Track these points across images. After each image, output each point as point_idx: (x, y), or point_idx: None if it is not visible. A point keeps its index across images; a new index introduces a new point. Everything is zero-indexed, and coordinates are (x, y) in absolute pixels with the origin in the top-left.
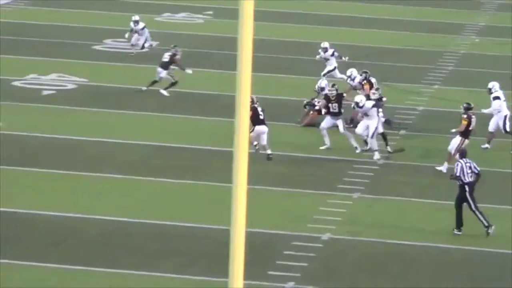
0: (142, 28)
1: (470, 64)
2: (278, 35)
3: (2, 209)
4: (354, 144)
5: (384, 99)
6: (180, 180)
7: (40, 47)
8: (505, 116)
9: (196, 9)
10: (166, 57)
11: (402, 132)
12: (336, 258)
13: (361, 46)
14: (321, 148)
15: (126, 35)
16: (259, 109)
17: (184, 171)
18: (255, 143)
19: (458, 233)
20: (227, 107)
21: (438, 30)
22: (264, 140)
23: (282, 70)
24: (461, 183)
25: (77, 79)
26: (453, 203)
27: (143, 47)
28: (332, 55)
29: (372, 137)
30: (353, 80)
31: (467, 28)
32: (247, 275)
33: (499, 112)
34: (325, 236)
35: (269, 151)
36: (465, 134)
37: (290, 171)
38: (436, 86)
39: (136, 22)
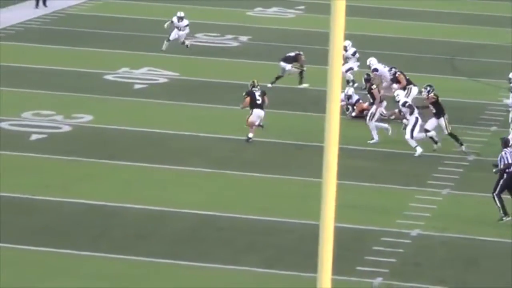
0: (186, 25)
1: None
2: (369, 30)
3: (91, 202)
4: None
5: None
6: (268, 175)
7: (133, 41)
8: None
9: (288, 4)
10: (291, 53)
11: (493, 128)
12: (425, 254)
13: (452, 42)
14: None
15: (166, 25)
16: (257, 93)
17: (273, 165)
18: (255, 126)
19: (508, 218)
20: (316, 101)
21: None
22: (257, 124)
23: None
24: (507, 172)
25: (169, 73)
26: None
27: (183, 43)
28: (354, 54)
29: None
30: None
31: None
32: (335, 270)
33: None
34: (414, 232)
35: (251, 134)
36: None
37: (379, 166)
38: None
39: (181, 18)
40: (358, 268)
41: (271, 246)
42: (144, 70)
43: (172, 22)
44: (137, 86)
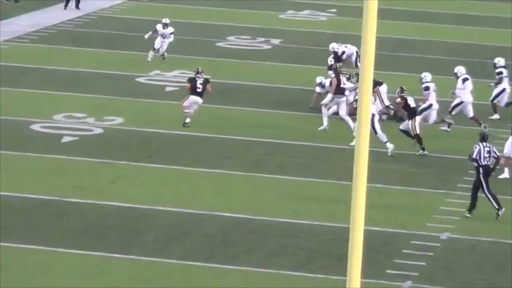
0: (171, 33)
1: None
2: (401, 33)
3: (123, 204)
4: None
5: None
6: (300, 178)
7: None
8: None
9: (320, 7)
10: (330, 60)
11: None
12: (455, 257)
13: (486, 45)
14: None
15: (146, 36)
16: (199, 81)
17: (304, 168)
18: (187, 111)
19: (469, 215)
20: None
21: None
22: (194, 110)
23: (403, 68)
24: (477, 165)
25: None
26: None
27: (163, 55)
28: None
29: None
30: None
31: None
32: (365, 274)
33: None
34: (444, 235)
35: (188, 120)
36: None
37: (409, 169)
38: None
39: (166, 25)
40: (388, 271)
41: (302, 249)
42: (175, 72)
43: (155, 30)
44: (168, 89)
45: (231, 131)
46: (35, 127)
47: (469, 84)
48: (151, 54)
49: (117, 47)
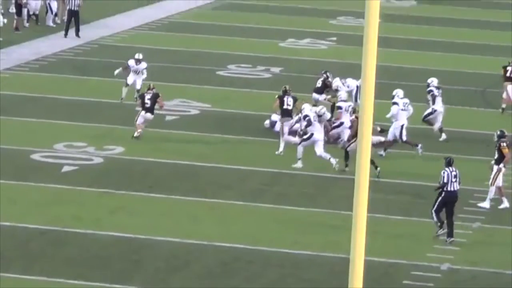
0: (144, 68)
1: None
2: (400, 62)
3: (123, 234)
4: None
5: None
6: (300, 207)
7: (165, 72)
8: (402, 126)
9: (320, 35)
10: (319, 82)
11: None
12: None
13: (484, 74)
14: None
15: (116, 72)
16: (147, 96)
17: (304, 198)
18: (139, 131)
19: (442, 232)
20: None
21: None
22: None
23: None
24: (445, 190)
25: (201, 104)
26: None
27: (139, 91)
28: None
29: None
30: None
31: None
32: None
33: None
34: (444, 266)
35: (136, 133)
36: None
37: (409, 199)
38: None
39: (139, 60)
40: None
41: (302, 280)
42: (176, 101)
43: (126, 67)
44: (168, 118)
45: (230, 160)
46: (36, 156)
47: (395, 108)
48: (124, 90)
49: (118, 76)
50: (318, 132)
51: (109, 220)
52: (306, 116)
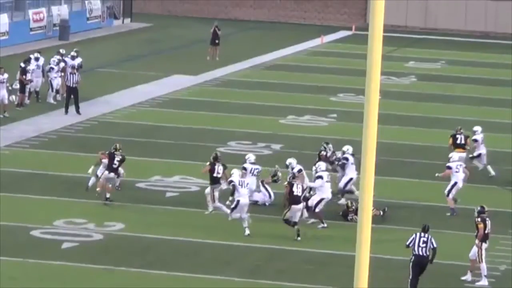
0: (121, 161)
1: None
2: (402, 139)
3: None
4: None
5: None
6: (300, 284)
7: (165, 149)
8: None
9: (320, 112)
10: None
11: None
12: None
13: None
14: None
15: (90, 170)
16: (116, 158)
17: (304, 274)
18: (99, 188)
19: None
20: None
21: None
22: (111, 186)
23: (403, 174)
24: (413, 254)
25: (201, 181)
26: None
27: (118, 187)
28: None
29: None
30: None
31: None
32: None
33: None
34: None
35: (108, 195)
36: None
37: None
38: None
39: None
40: None
41: None
42: (176, 178)
43: (97, 163)
44: (169, 194)
45: (230, 237)
46: (36, 233)
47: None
48: (92, 180)
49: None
50: (243, 197)
51: None
52: (230, 181)
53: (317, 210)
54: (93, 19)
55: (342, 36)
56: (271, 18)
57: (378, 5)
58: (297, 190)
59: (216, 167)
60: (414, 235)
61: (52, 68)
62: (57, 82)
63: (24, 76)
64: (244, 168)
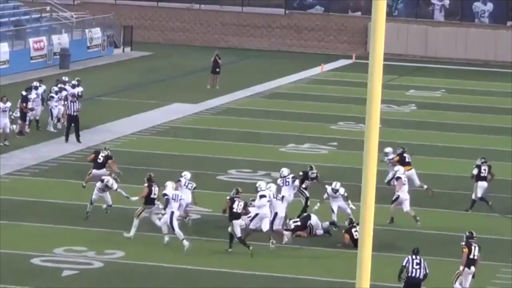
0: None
1: None
2: None
3: None
4: None
5: None
6: None
7: (164, 176)
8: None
9: (321, 140)
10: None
11: None
12: None
13: None
14: None
15: (89, 209)
16: (102, 154)
17: None
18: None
19: None
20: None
21: None
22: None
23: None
24: (407, 276)
25: (201, 209)
26: None
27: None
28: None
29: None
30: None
31: None
32: None
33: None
34: None
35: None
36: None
37: None
38: None
39: (106, 184)
40: None
41: None
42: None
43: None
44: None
45: (230, 264)
46: (36, 261)
47: (264, 201)
48: (89, 207)
49: (119, 181)
50: (175, 210)
51: None
52: (164, 194)
53: (273, 228)
54: (94, 47)
55: (343, 64)
56: (271, 47)
57: (378, 34)
58: (237, 207)
59: (153, 188)
60: (407, 258)
61: (52, 97)
62: (57, 110)
63: (24, 104)
64: (179, 181)
